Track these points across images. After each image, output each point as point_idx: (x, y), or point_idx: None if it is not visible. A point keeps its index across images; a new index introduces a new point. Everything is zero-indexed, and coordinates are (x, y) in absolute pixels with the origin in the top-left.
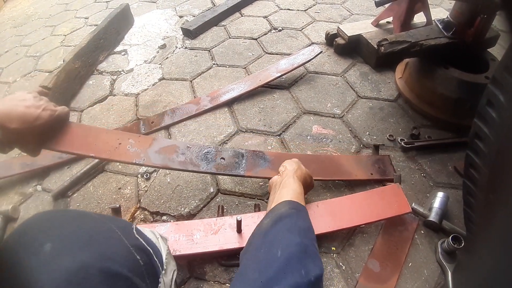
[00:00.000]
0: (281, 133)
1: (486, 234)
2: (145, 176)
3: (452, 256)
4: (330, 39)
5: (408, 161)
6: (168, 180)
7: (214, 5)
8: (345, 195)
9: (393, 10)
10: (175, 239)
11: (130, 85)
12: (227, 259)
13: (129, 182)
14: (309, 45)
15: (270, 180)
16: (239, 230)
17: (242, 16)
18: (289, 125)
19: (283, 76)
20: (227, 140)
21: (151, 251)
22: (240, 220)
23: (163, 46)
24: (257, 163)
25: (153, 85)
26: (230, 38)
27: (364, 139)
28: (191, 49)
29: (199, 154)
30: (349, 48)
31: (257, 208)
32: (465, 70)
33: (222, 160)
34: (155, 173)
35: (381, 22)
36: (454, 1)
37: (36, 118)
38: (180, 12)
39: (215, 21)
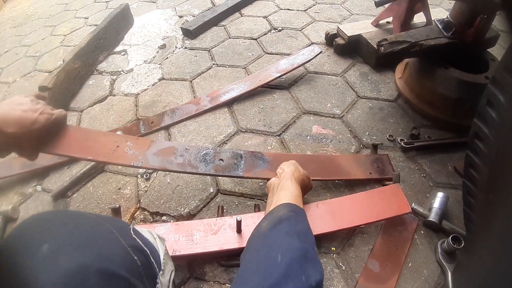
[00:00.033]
0: (281, 133)
1: (486, 234)
2: (145, 177)
3: (452, 256)
4: (330, 39)
5: (408, 161)
6: (168, 180)
7: (214, 5)
8: (345, 195)
9: (393, 10)
10: (175, 239)
11: (130, 85)
12: (227, 259)
13: (129, 182)
14: (309, 45)
15: (268, 182)
16: (239, 230)
17: (242, 16)
18: (289, 125)
19: (283, 76)
20: (227, 140)
21: (149, 251)
22: (240, 221)
23: (163, 46)
24: (256, 164)
25: (153, 85)
26: (230, 38)
27: (364, 139)
28: (191, 49)
29: (197, 155)
30: (349, 48)
31: (257, 208)
32: (465, 70)
33: (220, 161)
34: (155, 173)
35: (381, 22)
36: (454, 1)
37: (33, 122)
38: (180, 12)
39: (215, 21)
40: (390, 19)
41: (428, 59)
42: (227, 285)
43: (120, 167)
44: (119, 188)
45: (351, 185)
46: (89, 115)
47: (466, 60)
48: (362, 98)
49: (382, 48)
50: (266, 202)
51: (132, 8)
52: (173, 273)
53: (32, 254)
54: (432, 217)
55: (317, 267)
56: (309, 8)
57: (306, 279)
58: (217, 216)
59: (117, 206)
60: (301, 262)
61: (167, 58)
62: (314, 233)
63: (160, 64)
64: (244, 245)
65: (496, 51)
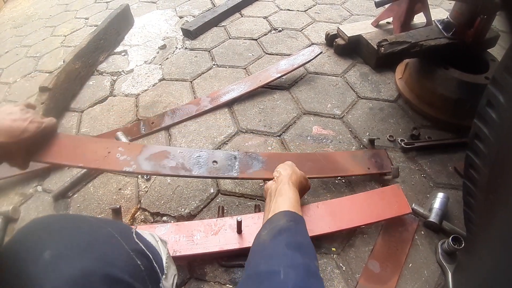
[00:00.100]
0: (281, 134)
1: (486, 234)
2: (145, 177)
3: (452, 257)
4: (330, 40)
5: (408, 162)
6: (169, 181)
7: (214, 6)
8: (345, 195)
9: (393, 11)
10: (176, 239)
11: (130, 86)
12: (228, 259)
13: (130, 183)
14: (309, 46)
15: (265, 186)
16: (239, 231)
17: (242, 16)
18: (289, 126)
19: (283, 77)
20: (227, 141)
21: (151, 255)
22: (240, 221)
23: (163, 47)
24: (250, 164)
25: (153, 85)
26: (230, 38)
27: (364, 139)
28: (191, 49)
29: (190, 158)
30: (349, 49)
31: (257, 209)
32: (465, 71)
33: (214, 163)
34: None
35: (381, 22)
36: (454, 2)
37: (22, 131)
38: (180, 13)
39: (215, 21)
40: (390, 19)
41: (428, 60)
42: (227, 285)
43: None
44: (120, 189)
45: (352, 186)
46: (90, 115)
47: (466, 60)
48: (362, 98)
49: (382, 48)
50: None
51: (132, 8)
52: (176, 277)
53: (34, 260)
54: (433, 217)
55: (320, 283)
56: (309, 8)
57: None
58: (218, 217)
59: (118, 206)
60: (304, 280)
61: (167, 58)
62: (315, 233)
63: (160, 64)
64: (244, 245)
65: (496, 52)
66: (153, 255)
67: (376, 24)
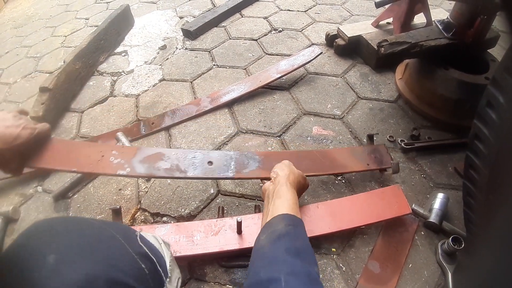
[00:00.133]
0: (281, 134)
1: (486, 235)
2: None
3: (452, 257)
4: (330, 40)
5: (408, 162)
6: (169, 181)
7: (215, 6)
8: (345, 196)
9: (393, 11)
10: (176, 240)
11: (130, 86)
12: (228, 260)
13: (130, 183)
14: (309, 46)
15: (263, 187)
16: (239, 231)
17: (242, 17)
18: (290, 126)
19: (283, 77)
20: (227, 141)
21: (155, 258)
22: (240, 221)
23: (163, 47)
24: (246, 164)
25: (154, 86)
26: (230, 39)
27: (364, 140)
28: (192, 50)
29: (185, 159)
30: (349, 49)
31: (257, 209)
32: (465, 71)
33: (209, 164)
34: None
35: (381, 23)
36: (454, 2)
37: (15, 137)
38: (181, 13)
39: (215, 22)
40: (390, 20)
41: (428, 60)
42: (227, 286)
43: None
44: (120, 189)
45: (351, 186)
46: (90, 116)
47: (466, 61)
48: (362, 99)
49: (383, 49)
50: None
51: (132, 9)
52: (180, 280)
53: (38, 265)
54: (433, 218)
55: None
56: (310, 9)
57: None
58: (218, 217)
59: (118, 207)
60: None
61: (167, 59)
62: (314, 234)
63: (160, 65)
64: (244, 246)
65: (497, 52)
66: (157, 258)
67: (376, 25)
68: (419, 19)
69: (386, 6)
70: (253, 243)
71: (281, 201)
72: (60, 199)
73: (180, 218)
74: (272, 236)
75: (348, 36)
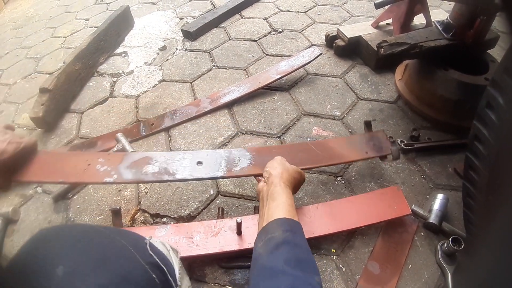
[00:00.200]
0: (281, 135)
1: (486, 235)
2: None
3: (452, 258)
4: (330, 41)
5: (408, 163)
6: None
7: (214, 7)
8: (344, 197)
9: (393, 12)
10: (175, 241)
11: (130, 87)
12: (227, 261)
13: (129, 184)
14: (309, 47)
15: (257, 188)
16: (239, 232)
17: (242, 17)
18: (289, 127)
19: (283, 78)
20: (227, 142)
21: (165, 268)
22: (240, 222)
23: (163, 48)
24: (238, 161)
25: (153, 87)
26: (230, 40)
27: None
28: (191, 51)
29: (173, 162)
30: (349, 50)
31: (257, 210)
32: (465, 72)
33: (199, 164)
34: None
35: (380, 23)
36: (454, 3)
37: (1, 152)
38: (180, 14)
39: (215, 22)
40: (390, 20)
41: (428, 61)
42: (227, 287)
43: None
44: (120, 190)
45: (351, 187)
46: (90, 117)
47: (466, 61)
48: (362, 99)
49: (382, 49)
50: None
51: (132, 10)
52: None
53: (47, 277)
54: (432, 218)
55: None
56: (309, 9)
57: None
58: (217, 218)
59: (118, 208)
60: None
61: (167, 60)
62: (314, 234)
63: (160, 66)
64: (244, 246)
65: (496, 53)
66: (167, 267)
67: (376, 25)
68: (419, 20)
69: (386, 7)
70: (253, 244)
71: (276, 204)
72: (60, 200)
73: (180, 219)
74: (269, 244)
75: (348, 37)
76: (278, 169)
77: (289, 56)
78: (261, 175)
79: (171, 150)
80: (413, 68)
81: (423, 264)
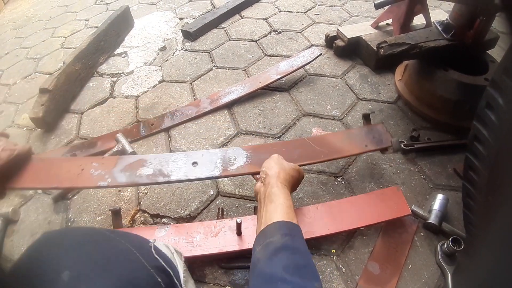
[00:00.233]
0: (281, 135)
1: (486, 236)
2: None
3: (452, 258)
4: (330, 41)
5: (408, 163)
6: None
7: (214, 7)
8: (344, 197)
9: (393, 12)
10: (175, 241)
11: (130, 87)
12: (227, 261)
13: None
14: (309, 47)
15: (254, 189)
16: (239, 232)
17: (242, 18)
18: (289, 127)
19: (283, 78)
20: (227, 143)
21: (171, 271)
22: (240, 223)
23: (163, 48)
24: (233, 160)
25: (153, 87)
26: (230, 40)
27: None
28: (191, 51)
29: (168, 163)
30: (349, 50)
31: (257, 211)
32: (465, 72)
33: (194, 164)
34: None
35: (380, 24)
36: (454, 3)
37: None
38: (180, 14)
39: (215, 23)
40: (389, 21)
41: (428, 61)
42: (227, 287)
43: None
44: (119, 190)
45: (351, 187)
46: (90, 117)
47: (466, 62)
48: (362, 100)
49: (382, 50)
50: None
51: (132, 10)
52: None
53: (52, 282)
54: (432, 219)
55: None
56: (309, 10)
57: None
58: (217, 218)
59: (118, 208)
60: None
61: (167, 60)
62: (314, 235)
63: (160, 66)
64: (244, 247)
65: (496, 53)
66: (172, 271)
67: (376, 26)
68: (419, 20)
69: (386, 8)
70: (253, 244)
71: (274, 206)
72: (60, 201)
73: (180, 219)
74: (268, 249)
75: (348, 37)
76: (274, 168)
77: (289, 56)
78: (258, 173)
79: (171, 150)
80: (413, 68)
81: (423, 265)
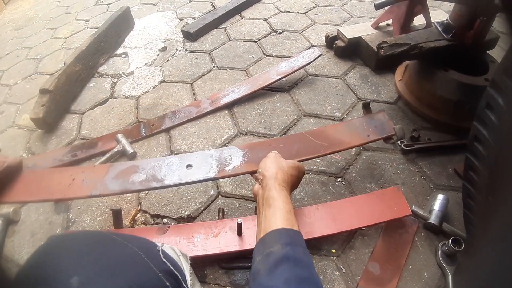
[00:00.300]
0: (281, 136)
1: (486, 236)
2: None
3: (453, 259)
4: (330, 42)
5: (408, 164)
6: None
7: (215, 8)
8: (345, 197)
9: (393, 13)
10: (176, 242)
11: (130, 88)
12: (228, 262)
13: None
14: (309, 48)
15: (253, 191)
16: (239, 233)
17: (242, 18)
18: (289, 128)
19: (283, 79)
20: (228, 143)
21: (179, 275)
22: (241, 223)
23: (163, 49)
24: (229, 160)
25: (154, 87)
26: (230, 40)
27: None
28: (192, 51)
29: (161, 167)
30: (349, 51)
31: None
32: (465, 73)
33: (188, 167)
34: None
35: (380, 24)
36: (454, 4)
37: None
38: (181, 15)
39: (216, 23)
40: (390, 21)
41: (428, 62)
42: (227, 287)
43: None
44: None
45: (351, 187)
46: (90, 117)
47: (466, 62)
48: (362, 100)
49: (382, 50)
50: None
51: (132, 10)
52: None
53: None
54: (433, 219)
55: None
56: (309, 10)
57: None
58: (218, 219)
59: (118, 208)
60: None
61: (167, 60)
62: (314, 235)
63: (160, 66)
64: (244, 247)
65: (496, 53)
66: (180, 274)
67: (376, 26)
68: (419, 20)
69: (386, 8)
70: (254, 244)
71: (273, 211)
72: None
73: (181, 220)
74: (268, 260)
75: (348, 37)
76: (271, 169)
77: (289, 57)
78: (256, 171)
79: (171, 151)
80: (413, 68)
81: (424, 265)
